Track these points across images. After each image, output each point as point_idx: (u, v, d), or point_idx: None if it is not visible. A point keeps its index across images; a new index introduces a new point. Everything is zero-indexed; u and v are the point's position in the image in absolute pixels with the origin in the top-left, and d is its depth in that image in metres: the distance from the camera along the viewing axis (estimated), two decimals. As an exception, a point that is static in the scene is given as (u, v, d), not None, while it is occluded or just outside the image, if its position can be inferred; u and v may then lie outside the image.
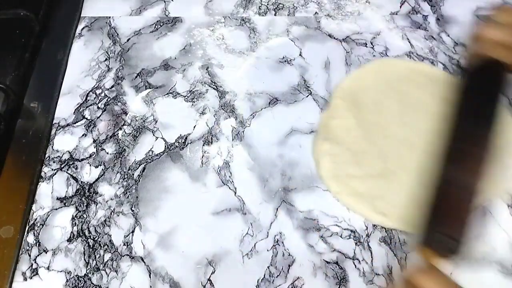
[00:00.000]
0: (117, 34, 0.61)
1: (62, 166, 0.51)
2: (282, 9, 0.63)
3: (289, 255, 0.45)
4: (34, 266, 0.45)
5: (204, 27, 0.61)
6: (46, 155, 0.51)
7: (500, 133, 0.43)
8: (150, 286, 0.44)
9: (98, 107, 0.55)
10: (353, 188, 0.48)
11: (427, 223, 0.38)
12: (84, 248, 0.46)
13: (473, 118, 0.41)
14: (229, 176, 0.50)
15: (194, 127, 0.53)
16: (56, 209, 0.48)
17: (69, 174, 0.50)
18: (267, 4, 0.64)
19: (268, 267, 0.45)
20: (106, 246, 0.46)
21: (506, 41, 0.41)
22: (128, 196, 0.49)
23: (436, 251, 0.36)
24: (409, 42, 0.59)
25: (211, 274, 0.44)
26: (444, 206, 0.38)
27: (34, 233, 0.47)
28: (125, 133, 0.53)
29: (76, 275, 0.44)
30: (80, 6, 0.64)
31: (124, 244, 0.46)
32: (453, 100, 0.42)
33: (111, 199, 0.49)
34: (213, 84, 0.56)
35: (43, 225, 0.47)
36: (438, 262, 0.36)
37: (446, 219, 0.37)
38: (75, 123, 0.54)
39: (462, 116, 0.41)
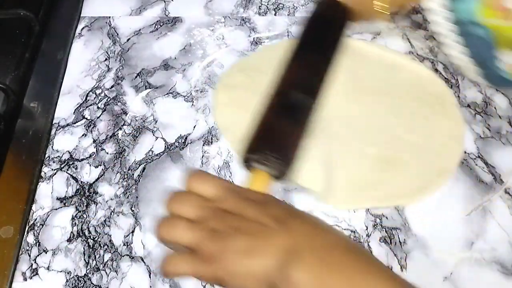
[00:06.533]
0: (117, 34, 0.61)
1: (62, 166, 0.51)
2: (282, 9, 0.63)
3: (289, 255, 0.45)
4: (34, 266, 0.45)
5: (204, 27, 0.61)
6: (46, 155, 0.51)
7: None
8: (150, 286, 0.44)
9: (98, 107, 0.55)
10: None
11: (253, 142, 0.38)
12: (84, 248, 0.46)
13: (309, 48, 0.43)
14: (229, 176, 0.50)
15: (194, 127, 0.53)
16: (56, 209, 0.48)
17: (69, 174, 0.50)
18: (267, 4, 0.64)
19: (268, 267, 0.45)
20: (106, 246, 0.46)
21: None
22: (128, 196, 0.49)
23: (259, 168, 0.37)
24: (409, 42, 0.59)
25: (211, 274, 0.44)
26: (269, 129, 0.38)
27: (34, 233, 0.46)
28: (125, 133, 0.53)
29: (76, 275, 0.44)
30: (80, 6, 0.64)
31: (124, 244, 0.46)
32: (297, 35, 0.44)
33: (111, 199, 0.49)
34: (213, 84, 0.56)
35: (43, 225, 0.47)
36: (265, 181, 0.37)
37: (271, 141, 0.37)
38: (75, 123, 0.54)
39: (300, 46, 0.43)
